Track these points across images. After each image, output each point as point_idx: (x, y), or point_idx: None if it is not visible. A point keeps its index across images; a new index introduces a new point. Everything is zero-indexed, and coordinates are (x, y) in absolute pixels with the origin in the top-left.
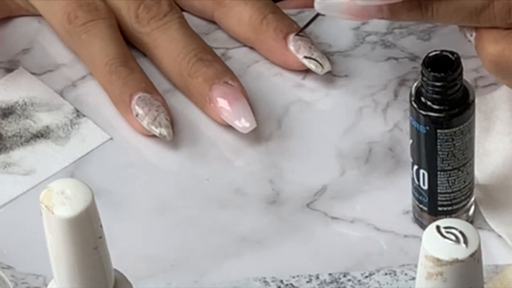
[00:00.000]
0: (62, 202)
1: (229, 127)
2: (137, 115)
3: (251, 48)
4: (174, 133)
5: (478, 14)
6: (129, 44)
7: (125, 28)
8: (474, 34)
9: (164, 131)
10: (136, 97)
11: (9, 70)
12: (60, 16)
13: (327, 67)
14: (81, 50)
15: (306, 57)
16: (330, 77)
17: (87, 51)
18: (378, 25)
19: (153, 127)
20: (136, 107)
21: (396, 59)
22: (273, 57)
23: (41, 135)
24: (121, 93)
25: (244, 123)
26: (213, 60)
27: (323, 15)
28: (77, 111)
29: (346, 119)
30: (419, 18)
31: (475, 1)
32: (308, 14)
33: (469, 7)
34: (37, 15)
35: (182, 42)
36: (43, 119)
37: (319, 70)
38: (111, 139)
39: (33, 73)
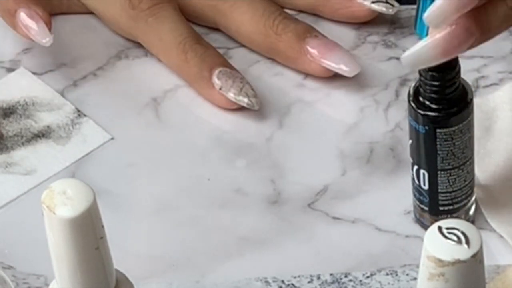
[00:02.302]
0: (64, 202)
1: (231, 125)
2: (220, 89)
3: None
4: (175, 133)
5: None
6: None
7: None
8: None
9: (252, 100)
10: (216, 72)
11: (10, 70)
12: (121, 3)
13: (397, 5)
14: (148, 34)
15: (373, 2)
16: (331, 77)
17: (156, 34)
18: (380, 24)
19: (240, 97)
20: (218, 81)
21: (397, 59)
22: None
23: (42, 135)
24: (200, 70)
25: (348, 67)
26: (297, 19)
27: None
28: (78, 111)
29: (347, 119)
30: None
31: None
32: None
33: None
34: (85, 12)
35: (263, 3)
36: (44, 119)
37: (390, 10)
38: (112, 139)
39: (34, 73)
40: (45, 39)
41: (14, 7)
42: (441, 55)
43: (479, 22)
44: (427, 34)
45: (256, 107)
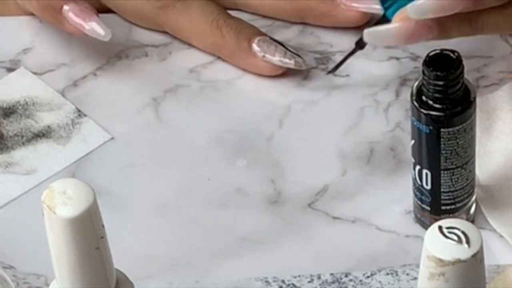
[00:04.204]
0: (64, 202)
1: (231, 125)
2: (264, 56)
3: None
4: (175, 133)
5: None
6: None
7: None
8: None
9: (299, 60)
10: (256, 40)
11: (10, 70)
12: None
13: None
14: (177, 19)
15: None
16: (331, 77)
17: (186, 17)
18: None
19: (287, 60)
20: (260, 49)
21: (397, 59)
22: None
23: (43, 134)
24: (238, 41)
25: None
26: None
27: (362, 49)
28: (79, 110)
29: (348, 119)
30: (469, 32)
31: None
32: None
33: None
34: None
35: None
36: (45, 118)
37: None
38: (112, 138)
39: (34, 73)
40: (103, 33)
41: (60, 3)
42: (398, 42)
43: (441, 23)
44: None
45: (304, 67)
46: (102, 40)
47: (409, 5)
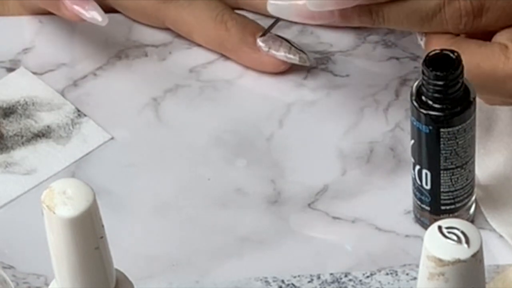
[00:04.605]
0: (64, 202)
1: (231, 125)
2: (268, 51)
3: None
4: (175, 133)
5: (430, 20)
6: None
7: None
8: (424, 38)
9: (304, 56)
10: (261, 35)
11: (10, 70)
12: None
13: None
14: (181, 14)
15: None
16: (331, 77)
17: (189, 12)
18: None
19: (291, 56)
20: (265, 44)
21: (397, 58)
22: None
23: (42, 134)
24: (243, 36)
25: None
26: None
27: (284, 20)
28: (78, 110)
29: (347, 119)
30: (370, 23)
31: (426, 7)
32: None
33: (420, 13)
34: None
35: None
36: (44, 118)
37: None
38: (112, 138)
39: (34, 73)
40: (101, 18)
41: None
42: (298, 19)
43: (343, 10)
44: None
45: (308, 63)
46: (100, 25)
47: None
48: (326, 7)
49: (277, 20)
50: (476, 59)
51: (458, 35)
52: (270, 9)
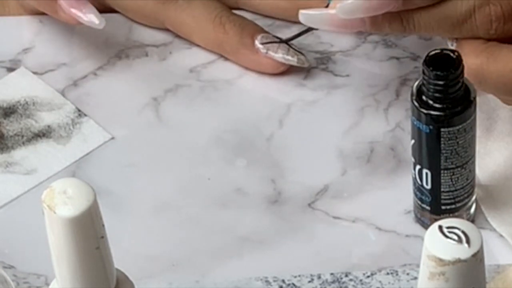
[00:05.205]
0: (64, 201)
1: (231, 125)
2: (266, 53)
3: None
4: (175, 133)
5: (460, 25)
6: None
7: None
8: (455, 44)
9: (302, 58)
10: (259, 37)
11: (10, 70)
12: None
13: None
14: (179, 15)
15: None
16: (331, 77)
17: (188, 14)
18: None
19: (289, 57)
20: (263, 46)
21: (397, 58)
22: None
23: (43, 134)
24: (241, 38)
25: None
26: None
27: (316, 28)
28: (79, 110)
29: (348, 119)
30: (401, 30)
31: (456, 12)
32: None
33: (450, 19)
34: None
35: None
36: (45, 118)
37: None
38: (112, 138)
39: (34, 73)
40: (98, 21)
41: None
42: (330, 28)
43: (373, 18)
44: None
45: (306, 64)
46: (97, 28)
47: (338, 5)
48: (356, 14)
49: (309, 29)
50: (510, 64)
51: (488, 40)
52: (302, 19)
